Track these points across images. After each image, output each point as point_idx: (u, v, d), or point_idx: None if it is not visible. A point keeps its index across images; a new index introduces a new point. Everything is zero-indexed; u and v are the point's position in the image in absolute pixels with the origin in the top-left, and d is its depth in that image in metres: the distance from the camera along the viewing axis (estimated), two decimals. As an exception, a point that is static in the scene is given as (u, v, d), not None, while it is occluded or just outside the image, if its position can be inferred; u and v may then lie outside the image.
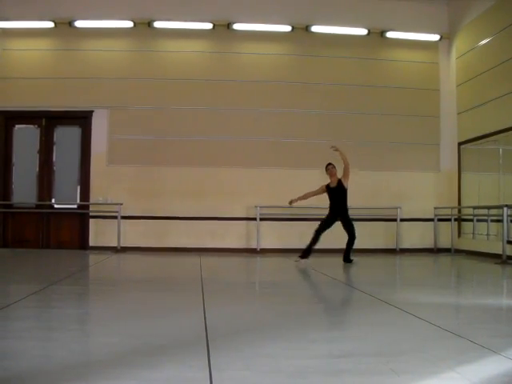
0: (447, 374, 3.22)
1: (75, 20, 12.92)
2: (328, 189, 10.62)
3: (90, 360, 3.55)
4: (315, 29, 13.38)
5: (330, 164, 10.63)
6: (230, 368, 3.31)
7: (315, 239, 10.40)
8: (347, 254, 10.52)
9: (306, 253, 10.46)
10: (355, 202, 13.03)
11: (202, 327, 4.43)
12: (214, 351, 3.65)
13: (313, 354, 3.67)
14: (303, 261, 10.38)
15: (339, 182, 10.48)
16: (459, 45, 13.43)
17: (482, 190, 12.63)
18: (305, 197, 10.75)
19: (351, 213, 13.30)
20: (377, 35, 13.61)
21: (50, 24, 12.91)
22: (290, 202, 10.74)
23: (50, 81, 12.99)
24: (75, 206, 13.21)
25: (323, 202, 12.84)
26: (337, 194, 10.48)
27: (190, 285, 7.42)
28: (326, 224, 10.55)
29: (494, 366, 3.40)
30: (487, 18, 12.25)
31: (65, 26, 12.94)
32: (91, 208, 13.03)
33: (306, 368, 3.35)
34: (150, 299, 6.13)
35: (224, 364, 3.38)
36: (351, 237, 10.52)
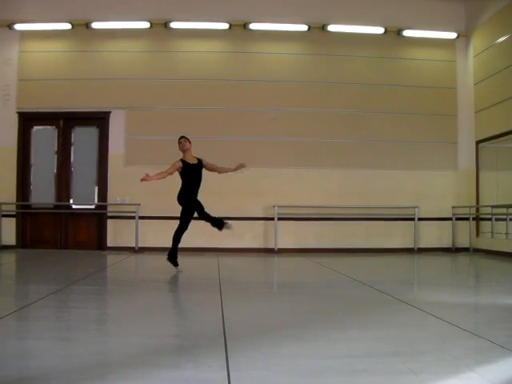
0: (466, 374, 3.21)
1: (92, 21, 12.99)
2: (186, 166, 8.89)
3: (109, 360, 3.57)
4: (331, 28, 13.34)
5: (182, 137, 9.23)
6: (248, 368, 3.32)
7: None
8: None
9: None
10: (372, 201, 13.04)
11: (220, 327, 4.43)
12: (232, 351, 3.66)
13: (332, 354, 3.67)
14: None
15: (200, 160, 9.12)
16: (476, 43, 13.35)
17: (500, 188, 12.54)
18: (158, 176, 8.70)
19: (368, 212, 13.31)
20: (393, 34, 13.54)
21: (67, 26, 12.98)
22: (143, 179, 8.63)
23: (67, 82, 13.05)
24: (93, 207, 13.27)
25: (344, 202, 12.87)
26: (198, 173, 9.01)
27: (207, 285, 7.43)
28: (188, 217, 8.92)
29: (514, 366, 3.38)
30: (504, 16, 12.15)
31: (82, 27, 13.01)
32: (109, 208, 13.09)
33: (325, 368, 3.35)
34: (167, 299, 6.16)
35: (242, 364, 3.39)
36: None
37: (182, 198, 8.88)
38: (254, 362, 3.46)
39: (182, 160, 8.95)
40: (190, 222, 8.98)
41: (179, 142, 9.15)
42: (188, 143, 9.13)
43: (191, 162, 9.00)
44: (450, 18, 13.67)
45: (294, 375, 3.21)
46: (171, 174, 8.78)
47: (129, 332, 4.37)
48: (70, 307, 5.65)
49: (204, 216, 8.91)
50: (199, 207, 8.88)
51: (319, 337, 4.19)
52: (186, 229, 9.01)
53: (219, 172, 9.45)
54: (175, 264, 9.01)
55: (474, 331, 4.37)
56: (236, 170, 9.37)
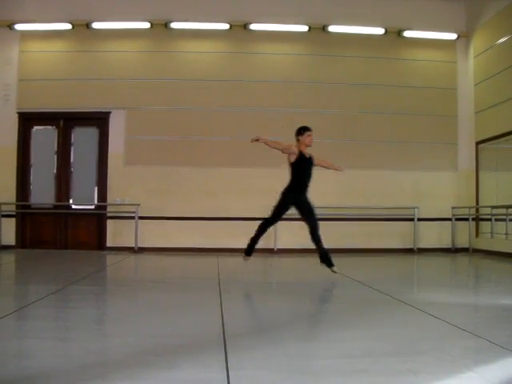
0: (465, 374, 3.21)
1: (92, 22, 12.98)
2: (301, 157, 8.26)
3: (108, 360, 3.57)
4: (332, 28, 13.33)
5: (309, 129, 8.41)
6: (247, 368, 3.32)
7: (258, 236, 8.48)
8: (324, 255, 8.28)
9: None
10: (372, 201, 13.05)
11: (219, 327, 4.43)
12: (232, 351, 3.66)
13: (331, 354, 3.67)
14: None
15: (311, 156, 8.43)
16: (477, 43, 13.35)
17: (500, 189, 12.55)
18: (271, 144, 8.24)
19: (368, 213, 13.31)
20: (394, 34, 13.54)
21: (67, 26, 12.98)
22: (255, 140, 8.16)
23: (67, 82, 13.05)
24: (93, 207, 13.27)
25: (343, 202, 12.87)
26: (310, 168, 8.40)
27: (207, 285, 7.44)
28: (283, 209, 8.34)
29: (513, 366, 3.39)
30: (505, 17, 12.15)
31: (82, 27, 13.00)
32: (109, 209, 13.09)
33: (325, 368, 3.36)
34: (167, 299, 6.15)
35: (241, 364, 3.39)
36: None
37: (284, 190, 8.28)
38: (253, 361, 3.46)
39: (299, 149, 8.24)
40: (280, 216, 8.35)
41: (308, 135, 8.30)
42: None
43: (307, 156, 8.32)
44: (451, 18, 13.67)
45: (294, 375, 3.21)
46: (282, 150, 8.22)
47: (128, 332, 4.37)
48: (70, 307, 5.65)
49: (312, 229, 8.16)
50: (307, 210, 8.24)
51: (319, 336, 4.20)
52: (273, 222, 8.44)
53: (326, 166, 8.82)
54: (248, 254, 8.58)
55: (473, 331, 4.37)
56: (336, 169, 8.90)
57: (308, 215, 8.22)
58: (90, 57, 13.19)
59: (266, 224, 8.38)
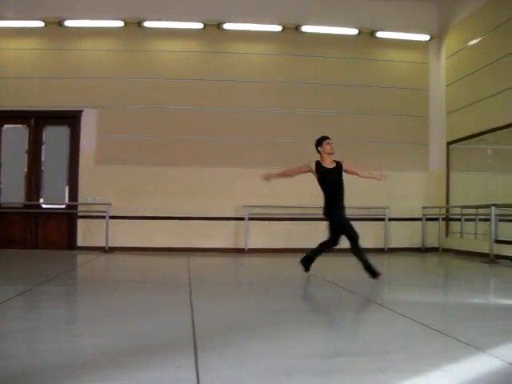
0: (433, 372, 3.24)
1: (65, 20, 12.82)
2: (322, 171, 7.99)
3: (79, 361, 3.54)
4: (305, 29, 13.37)
5: (328, 137, 8.09)
6: (217, 368, 3.32)
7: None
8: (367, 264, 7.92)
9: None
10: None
11: (189, 327, 4.43)
12: (202, 351, 3.65)
13: (301, 354, 3.68)
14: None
15: (339, 163, 8.10)
16: (449, 45, 13.48)
17: (470, 189, 12.68)
18: (287, 173, 8.53)
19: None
20: (367, 35, 13.61)
21: (39, 23, 12.82)
22: (267, 177, 8.41)
23: (39, 80, 12.91)
24: (63, 206, 13.16)
25: (315, 202, 12.89)
26: (338, 178, 8.07)
27: (178, 285, 7.41)
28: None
29: (480, 364, 3.42)
30: (476, 19, 12.29)
31: (55, 25, 12.85)
32: (79, 208, 12.98)
33: (295, 367, 3.36)
34: (137, 299, 6.12)
35: (211, 364, 3.38)
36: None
37: (327, 211, 8.04)
38: (223, 362, 3.46)
39: (317, 162, 8.00)
40: (339, 238, 7.95)
41: (326, 143, 7.97)
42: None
43: (330, 166, 7.98)
44: (424, 20, 13.78)
45: (264, 375, 3.21)
46: (300, 173, 8.18)
47: (99, 332, 4.35)
48: (39, 308, 5.60)
49: (353, 245, 7.91)
50: (345, 226, 7.94)
51: (289, 336, 4.20)
52: (334, 245, 8.01)
53: (360, 176, 8.44)
54: (307, 269, 8.18)
55: (442, 330, 4.42)
56: (378, 178, 8.44)
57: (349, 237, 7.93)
58: (62, 55, 13.07)
59: (324, 246, 8.09)
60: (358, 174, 8.33)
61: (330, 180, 7.93)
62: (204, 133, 13.07)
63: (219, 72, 13.29)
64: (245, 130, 13.18)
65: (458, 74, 13.04)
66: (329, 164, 7.97)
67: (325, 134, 8.17)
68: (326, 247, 8.04)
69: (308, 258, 8.18)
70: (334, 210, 7.95)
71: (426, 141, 13.72)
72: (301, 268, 8.18)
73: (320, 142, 8.01)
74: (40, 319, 4.95)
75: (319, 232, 12.37)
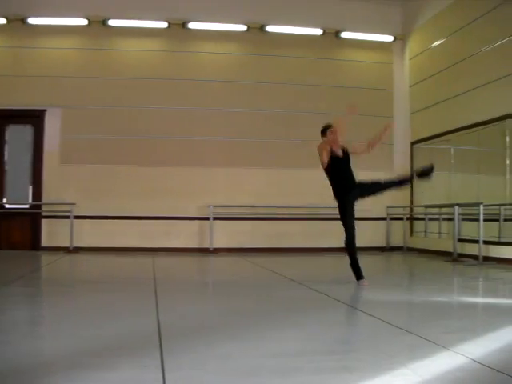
0: (399, 370, 3.26)
1: (28, 17, 12.63)
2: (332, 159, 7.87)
3: (43, 362, 3.49)
4: (270, 28, 13.40)
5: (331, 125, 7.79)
6: (182, 368, 3.30)
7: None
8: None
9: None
10: (309, 200, 13.11)
11: (155, 327, 4.40)
12: (168, 351, 3.63)
13: (266, 353, 3.68)
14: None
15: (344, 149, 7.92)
16: (412, 46, 13.63)
17: (433, 189, 12.81)
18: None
19: (304, 212, 13.40)
20: (332, 35, 13.69)
21: (1, 20, 12.60)
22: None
23: (1, 78, 12.71)
24: (27, 206, 12.99)
25: (279, 201, 12.94)
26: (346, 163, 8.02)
27: (143, 285, 7.37)
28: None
29: (445, 361, 3.45)
30: (440, 20, 12.44)
31: (17, 22, 12.66)
32: (43, 208, 12.83)
33: (260, 367, 3.36)
34: (102, 300, 6.07)
35: (177, 364, 3.37)
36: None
37: (337, 192, 7.93)
38: (188, 361, 3.44)
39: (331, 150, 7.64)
40: (354, 217, 7.92)
41: (330, 132, 7.69)
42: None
43: (338, 153, 7.76)
44: (388, 21, 13.92)
45: (229, 375, 3.20)
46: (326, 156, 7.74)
47: (63, 334, 4.29)
48: (2, 309, 5.51)
49: (377, 188, 8.01)
50: (360, 186, 7.95)
51: (254, 336, 4.20)
52: (354, 229, 7.92)
53: (371, 145, 8.34)
54: (360, 277, 7.50)
55: (407, 328, 4.45)
56: (386, 133, 8.41)
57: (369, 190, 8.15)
58: (25, 53, 12.87)
59: (351, 240, 7.93)
60: (367, 147, 8.28)
61: (342, 168, 7.86)
62: (167, 132, 13.02)
63: (183, 71, 13.26)
64: (208, 130, 13.15)
65: (421, 75, 13.20)
66: (337, 152, 7.75)
67: (326, 123, 7.94)
68: (352, 238, 7.95)
69: (355, 265, 7.72)
70: (346, 191, 7.89)
71: (391, 140, 13.82)
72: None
73: (324, 132, 7.83)
74: (2, 321, 4.88)
75: (287, 231, 12.49)
